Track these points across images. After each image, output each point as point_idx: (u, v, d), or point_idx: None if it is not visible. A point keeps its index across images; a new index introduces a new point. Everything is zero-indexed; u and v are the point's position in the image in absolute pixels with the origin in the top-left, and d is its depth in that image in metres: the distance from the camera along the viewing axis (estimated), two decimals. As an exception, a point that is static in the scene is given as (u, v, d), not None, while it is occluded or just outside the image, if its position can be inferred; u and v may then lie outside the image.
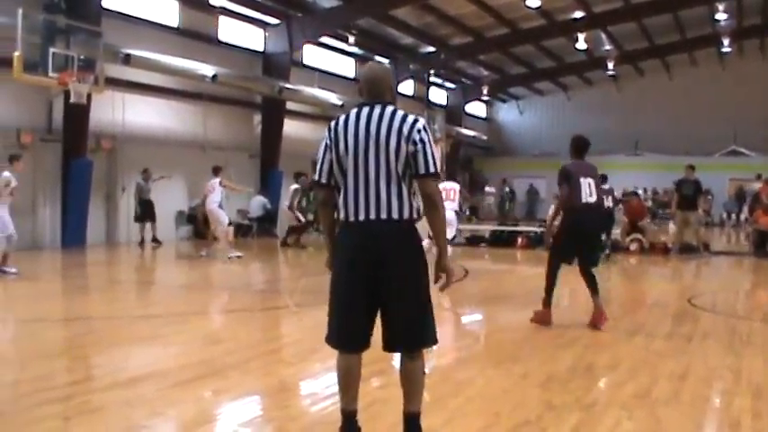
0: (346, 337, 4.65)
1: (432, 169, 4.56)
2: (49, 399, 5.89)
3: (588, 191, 9.22)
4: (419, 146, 4.53)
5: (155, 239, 21.54)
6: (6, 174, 13.86)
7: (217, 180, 18.27)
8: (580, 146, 9.56)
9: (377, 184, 4.53)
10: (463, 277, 14.50)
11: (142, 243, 21.44)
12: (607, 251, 18.56)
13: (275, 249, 21.28)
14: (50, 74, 16.98)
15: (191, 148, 23.80)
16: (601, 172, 10.50)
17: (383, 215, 4.52)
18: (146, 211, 21.65)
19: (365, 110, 4.66)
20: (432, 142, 4.63)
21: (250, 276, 16.24)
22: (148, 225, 21.66)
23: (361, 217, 4.55)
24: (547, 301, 9.39)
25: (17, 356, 7.75)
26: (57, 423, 5.31)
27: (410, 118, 4.61)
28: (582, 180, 9.21)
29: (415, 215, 4.59)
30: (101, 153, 21.47)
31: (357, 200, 4.56)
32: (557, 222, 9.62)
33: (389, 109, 4.64)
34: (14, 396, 6.04)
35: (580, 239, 9.36)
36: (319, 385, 6.50)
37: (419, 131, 4.56)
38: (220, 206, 18.20)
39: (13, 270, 13.67)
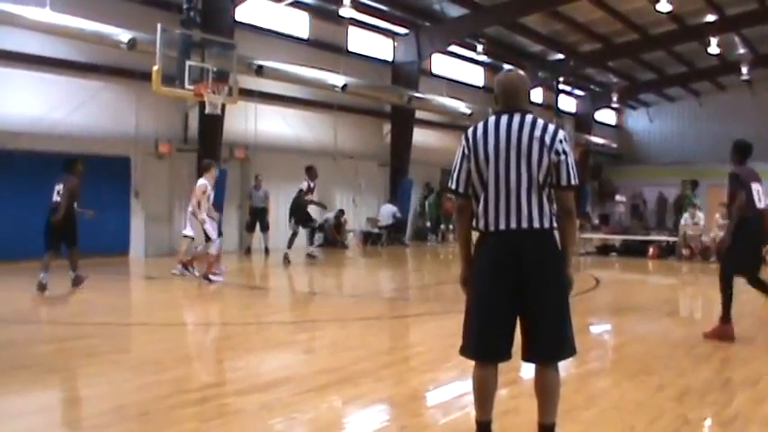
0: (486, 348, 4.60)
1: (573, 181, 4.53)
2: (187, 401, 6.07)
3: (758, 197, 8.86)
4: (562, 156, 4.51)
5: (266, 249, 21.02)
6: (202, 180, 14.38)
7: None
8: (745, 150, 9.09)
9: (518, 194, 4.48)
10: (594, 287, 14.28)
11: (248, 251, 21.12)
12: None
13: (404, 257, 21.26)
14: (187, 86, 17.43)
15: (321, 156, 24.04)
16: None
17: (524, 225, 4.47)
18: (256, 220, 21.24)
19: (504, 118, 4.61)
20: (572, 153, 4.59)
21: (379, 284, 16.35)
22: (262, 235, 21.24)
23: (502, 226, 4.50)
24: (726, 316, 8.94)
25: (157, 359, 7.98)
26: (195, 425, 5.45)
27: (551, 127, 4.57)
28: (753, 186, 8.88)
29: (554, 224, 4.54)
30: (234, 162, 22.01)
31: (498, 209, 4.51)
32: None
33: (529, 117, 4.60)
34: (156, 397, 6.20)
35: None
36: (451, 394, 6.48)
37: (561, 142, 4.54)
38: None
39: (220, 278, 14.28)
